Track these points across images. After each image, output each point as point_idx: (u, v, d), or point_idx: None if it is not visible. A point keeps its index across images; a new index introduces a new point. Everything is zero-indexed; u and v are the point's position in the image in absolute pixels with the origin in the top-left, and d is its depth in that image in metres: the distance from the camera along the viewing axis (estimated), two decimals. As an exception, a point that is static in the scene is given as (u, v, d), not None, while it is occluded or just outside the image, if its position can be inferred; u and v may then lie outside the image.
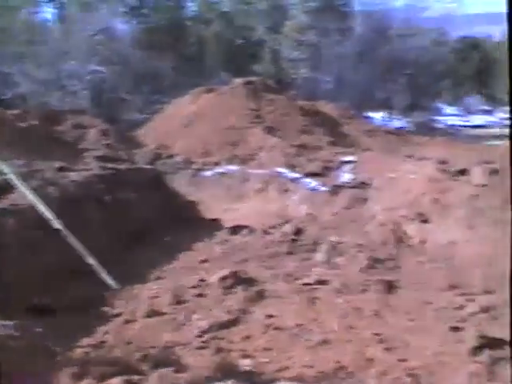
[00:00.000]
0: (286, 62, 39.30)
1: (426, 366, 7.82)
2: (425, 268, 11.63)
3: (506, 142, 16.20)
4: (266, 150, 18.54)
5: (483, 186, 12.81)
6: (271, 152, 18.38)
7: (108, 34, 34.58)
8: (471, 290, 10.68)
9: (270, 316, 9.23)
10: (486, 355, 8.03)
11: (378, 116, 39.02)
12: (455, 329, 9.00)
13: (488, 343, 8.34)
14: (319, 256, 12.03)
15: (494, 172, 12.98)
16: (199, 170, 18.23)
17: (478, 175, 13.03)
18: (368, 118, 34.97)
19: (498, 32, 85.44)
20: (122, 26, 38.47)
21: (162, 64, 33.50)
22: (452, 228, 12.38)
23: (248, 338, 8.53)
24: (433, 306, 9.99)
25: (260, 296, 10.02)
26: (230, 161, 18.49)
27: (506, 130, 35.69)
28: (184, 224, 13.53)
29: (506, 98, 58.31)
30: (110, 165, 14.34)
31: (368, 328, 8.91)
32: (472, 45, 64.60)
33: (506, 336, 8.78)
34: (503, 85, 62.12)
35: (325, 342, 8.41)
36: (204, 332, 8.58)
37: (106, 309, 9.45)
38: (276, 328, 8.81)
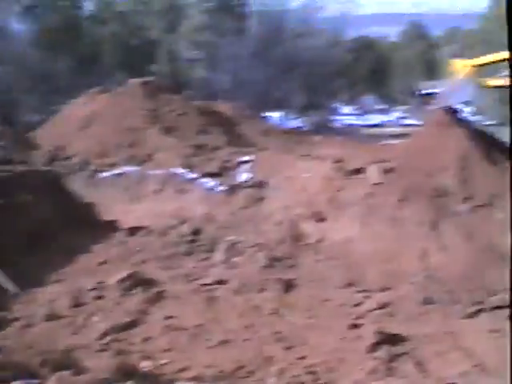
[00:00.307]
0: (183, 62, 39.19)
1: (325, 362, 7.94)
2: (322, 266, 11.79)
3: (402, 141, 16.56)
4: (163, 151, 18.45)
5: (378, 184, 13.05)
6: (168, 152, 18.29)
7: (1, 33, 33.84)
8: (368, 287, 10.89)
9: (170, 317, 9.23)
10: (384, 351, 8.21)
11: (274, 116, 39.24)
12: (353, 326, 9.17)
13: (386, 339, 8.52)
14: (217, 256, 12.07)
15: (390, 170, 13.24)
16: (97, 171, 18.03)
17: (373, 174, 13.27)
18: (265, 117, 35.13)
19: (394, 32, 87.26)
20: (17, 26, 37.69)
21: (58, 64, 32.97)
22: (348, 226, 12.58)
23: (148, 339, 8.51)
24: (331, 304, 10.15)
25: (159, 297, 10.00)
26: (127, 161, 18.32)
27: (401, 129, 36.47)
28: (82, 226, 13.35)
29: (401, 97, 59.61)
30: (5, 167, 14.03)
31: (267, 326, 8.98)
32: (367, 45, 65.69)
33: (403, 331, 9.00)
34: (398, 84, 63.51)
35: (225, 341, 8.45)
36: (104, 334, 8.52)
37: (4, 313, 9.27)
38: (176, 329, 8.81)
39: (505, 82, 16.41)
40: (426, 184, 12.81)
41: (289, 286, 10.71)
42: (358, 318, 9.63)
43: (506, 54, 17.04)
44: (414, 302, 10.37)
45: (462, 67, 15.97)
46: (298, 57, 39.13)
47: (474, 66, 16.11)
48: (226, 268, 11.51)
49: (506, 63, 16.62)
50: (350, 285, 10.98)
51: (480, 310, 10.24)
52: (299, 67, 39.47)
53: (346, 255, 12.01)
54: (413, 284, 10.95)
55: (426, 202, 12.44)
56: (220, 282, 10.70)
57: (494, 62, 16.92)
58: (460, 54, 34.86)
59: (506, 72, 16.39)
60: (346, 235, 12.42)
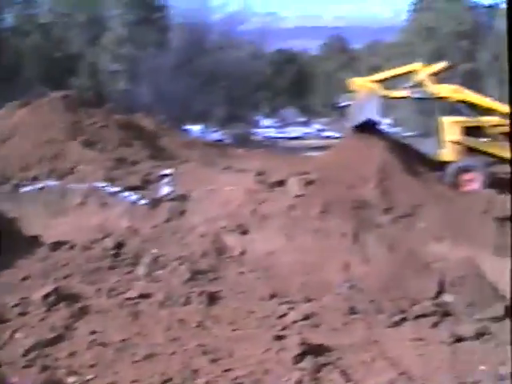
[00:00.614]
0: (104, 74, 38.95)
1: (250, 374, 7.97)
2: (246, 278, 11.82)
3: (322, 153, 16.77)
4: (85, 164, 18.28)
5: (300, 196, 13.18)
6: (90, 166, 18.14)
7: None
8: (292, 298, 10.97)
9: (95, 332, 9.14)
10: (309, 362, 8.28)
11: (196, 128, 39.28)
12: (278, 337, 9.21)
13: (311, 350, 8.60)
14: (141, 269, 12.00)
15: (311, 183, 13.39)
16: (18, 185, 17.76)
17: (294, 186, 13.39)
18: (186, 130, 35.15)
19: (315, 45, 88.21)
20: None
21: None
22: (271, 238, 12.66)
23: (73, 354, 8.42)
24: (256, 315, 10.19)
25: (84, 312, 9.91)
26: (49, 175, 18.09)
27: (322, 141, 36.87)
28: (4, 241, 13.15)
29: (322, 109, 60.25)
30: None
31: (193, 339, 8.98)
32: (289, 58, 66.29)
33: (327, 342, 9.09)
34: (319, 97, 64.19)
35: (150, 355, 8.42)
36: (29, 350, 8.41)
37: None
38: (101, 343, 8.74)
39: (407, 93, 16.80)
40: (347, 196, 13.01)
41: (213, 298, 10.72)
42: (282, 329, 9.69)
43: (406, 68, 17.44)
44: (338, 312, 10.49)
45: (362, 84, 16.28)
46: (220, 69, 39.27)
47: (374, 82, 16.44)
48: (150, 282, 11.46)
49: (411, 75, 17.04)
50: (274, 296, 11.04)
51: (403, 319, 10.42)
52: (221, 80, 39.61)
53: (270, 267, 12.08)
54: (337, 295, 11.08)
55: (348, 213, 12.62)
56: (144, 296, 10.64)
57: (395, 76, 17.30)
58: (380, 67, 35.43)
59: (409, 84, 16.79)
60: (270, 247, 12.49)
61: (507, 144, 16.87)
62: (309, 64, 73.41)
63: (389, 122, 38.57)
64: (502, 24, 43.53)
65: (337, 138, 30.17)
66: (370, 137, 14.94)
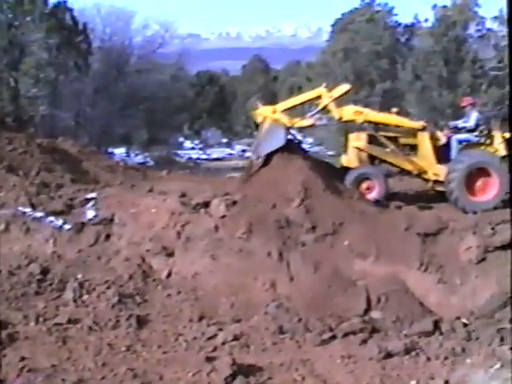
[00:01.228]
0: (25, 99, 38.50)
1: (180, 397, 7.99)
2: (173, 300, 11.82)
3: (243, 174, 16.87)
4: (7, 190, 18.07)
5: (224, 217, 13.25)
6: (12, 191, 17.94)
7: None
8: (220, 319, 11.04)
9: (24, 358, 9.03)
10: (240, 382, 8.35)
11: (119, 151, 39.14)
12: (209, 358, 9.25)
13: (241, 370, 8.66)
14: (68, 295, 11.91)
15: (234, 203, 13.47)
16: None
17: (218, 207, 13.45)
18: (109, 153, 34.99)
19: (236, 66, 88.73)
20: None
21: None
22: (196, 260, 12.68)
23: (3, 382, 8.31)
24: (185, 338, 10.23)
25: (11, 339, 9.78)
26: (-31, 202, 17.85)
27: (244, 162, 37.03)
28: None
29: (243, 130, 60.58)
30: None
31: (122, 364, 8.96)
32: (210, 79, 66.55)
33: (257, 362, 9.16)
34: (241, 118, 64.54)
35: (80, 380, 8.38)
36: (-44, 379, 8.30)
37: None
38: (30, 370, 8.64)
39: (313, 121, 17.05)
40: (271, 215, 13.11)
41: (141, 322, 10.71)
42: (212, 350, 9.75)
43: (310, 94, 17.71)
44: (267, 332, 10.58)
45: (268, 113, 16.47)
46: (142, 92, 39.25)
47: (281, 111, 16.64)
48: (78, 307, 11.38)
49: (315, 102, 17.31)
50: (202, 318, 11.08)
51: (332, 337, 10.57)
52: (142, 102, 39.57)
53: (197, 289, 12.09)
54: (265, 314, 11.18)
55: (272, 233, 12.73)
56: (72, 321, 10.57)
57: (300, 104, 17.57)
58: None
59: (314, 111, 17.06)
60: (195, 269, 12.51)
61: (410, 157, 17.34)
62: (230, 85, 73.84)
63: (310, 141, 38.99)
64: (421, 42, 44.52)
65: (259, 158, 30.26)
66: (292, 156, 15.08)
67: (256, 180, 14.66)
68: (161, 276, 12.91)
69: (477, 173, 16.87)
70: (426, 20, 47.20)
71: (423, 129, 17.57)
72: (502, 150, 17.15)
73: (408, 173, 17.96)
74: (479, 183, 16.92)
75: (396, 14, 49.79)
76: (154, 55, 42.63)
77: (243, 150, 56.37)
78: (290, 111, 17.04)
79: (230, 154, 55.06)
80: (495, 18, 44.90)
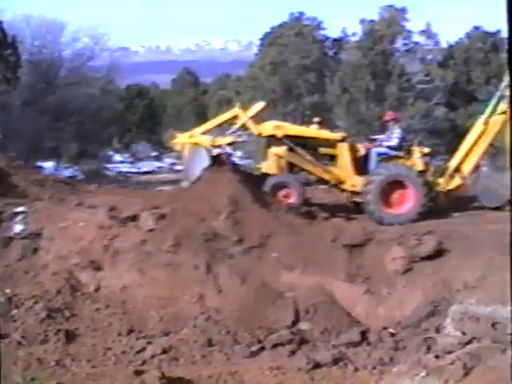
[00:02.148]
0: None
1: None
2: (102, 314, 11.78)
3: (174, 187, 16.91)
4: None
5: (152, 230, 13.26)
6: None
7: None
8: (149, 333, 11.06)
9: None
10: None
11: (48, 165, 38.73)
12: (138, 372, 9.28)
13: (170, 383, 8.70)
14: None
15: (163, 217, 13.49)
16: None
17: (146, 220, 13.46)
18: (38, 167, 34.59)
19: (166, 79, 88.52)
20: None
21: None
22: (125, 273, 12.66)
23: None
24: (114, 351, 10.25)
25: None
26: None
27: (174, 175, 37.01)
28: None
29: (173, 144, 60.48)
30: None
31: (51, 378, 8.98)
32: (140, 92, 66.29)
33: (187, 375, 9.22)
34: (170, 131, 64.37)
35: (8, 396, 8.33)
36: None
37: None
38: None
39: (233, 138, 17.19)
40: (199, 228, 13.17)
41: (70, 336, 10.69)
42: (141, 364, 9.81)
43: (226, 116, 17.84)
44: (196, 344, 10.65)
45: (186, 140, 16.60)
46: (71, 105, 38.95)
47: (198, 135, 16.78)
48: (6, 322, 11.29)
49: (233, 121, 17.45)
50: (131, 332, 11.10)
51: (261, 349, 10.67)
52: (72, 115, 39.27)
53: (125, 302, 12.07)
54: (193, 327, 11.23)
55: (200, 246, 12.78)
56: (1, 336, 10.50)
57: (217, 126, 17.71)
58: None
59: (233, 130, 17.20)
60: (124, 283, 12.49)
61: (329, 167, 17.59)
62: (159, 98, 73.68)
63: (239, 155, 39.11)
64: (349, 56, 45.03)
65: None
66: (221, 169, 15.17)
67: (185, 194, 14.71)
68: (89, 290, 12.84)
69: (393, 185, 17.23)
70: (354, 34, 47.81)
71: (342, 140, 17.79)
72: (420, 165, 17.55)
73: (326, 182, 18.18)
74: (395, 196, 17.27)
75: (324, 28, 50.23)
76: (84, 68, 42.29)
77: (173, 163, 56.27)
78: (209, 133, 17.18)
79: (160, 168, 54.87)
80: (422, 31, 45.69)
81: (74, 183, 27.36)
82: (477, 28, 49.71)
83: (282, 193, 16.79)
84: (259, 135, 17.41)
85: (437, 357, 8.99)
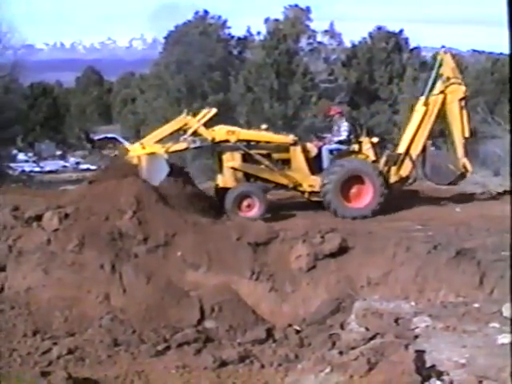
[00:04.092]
0: None
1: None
2: (7, 315, 11.63)
3: (79, 186, 16.78)
4: None
5: (56, 230, 13.15)
6: None
7: None
8: (55, 334, 11.01)
9: None
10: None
11: None
12: (43, 373, 9.24)
13: (77, 384, 8.70)
14: None
15: (67, 216, 13.38)
16: None
17: (50, 220, 13.32)
18: None
19: (70, 78, 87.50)
20: None
21: None
22: (29, 274, 12.51)
23: None
24: (19, 353, 10.17)
25: None
26: None
27: (78, 174, 36.68)
28: None
29: (78, 142, 59.77)
30: None
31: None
32: (43, 91, 65.39)
33: (93, 375, 9.23)
34: (75, 130, 63.55)
35: None
36: None
37: None
38: None
39: (186, 145, 17.18)
40: (103, 228, 13.10)
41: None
42: (47, 365, 9.76)
43: (177, 124, 17.75)
44: (102, 344, 10.63)
45: (140, 151, 16.53)
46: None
47: (150, 145, 16.73)
48: None
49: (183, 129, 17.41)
50: (36, 333, 11.01)
51: (167, 348, 10.73)
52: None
53: (30, 303, 11.94)
54: (99, 327, 11.20)
55: (105, 245, 12.71)
56: None
57: (168, 135, 17.64)
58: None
59: (185, 136, 17.16)
60: (28, 283, 12.34)
61: (284, 171, 17.67)
62: (64, 97, 72.81)
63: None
64: (253, 55, 45.29)
65: (93, 170, 30.22)
66: (127, 169, 15.14)
67: (89, 192, 14.61)
68: (-7, 291, 12.70)
69: (351, 180, 17.38)
70: (259, 33, 48.18)
71: (295, 143, 17.82)
72: (372, 155, 17.76)
73: (284, 187, 18.18)
74: (354, 190, 17.41)
75: (229, 27, 50.48)
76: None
77: (77, 163, 55.77)
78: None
79: (64, 167, 54.32)
80: (326, 31, 46.37)
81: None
82: (379, 28, 50.61)
83: (245, 203, 16.75)
84: (212, 140, 17.28)
85: (341, 353, 9.11)
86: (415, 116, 18.47)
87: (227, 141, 17.32)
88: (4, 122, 41.25)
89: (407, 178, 18.37)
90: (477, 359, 8.19)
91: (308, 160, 17.90)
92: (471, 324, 9.60)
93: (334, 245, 13.14)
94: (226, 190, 17.16)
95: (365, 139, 18.13)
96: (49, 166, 53.67)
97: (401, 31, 50.29)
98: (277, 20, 46.09)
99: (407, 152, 18.16)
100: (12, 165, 47.00)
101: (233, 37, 50.76)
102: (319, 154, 18.08)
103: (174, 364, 10.04)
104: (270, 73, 41.88)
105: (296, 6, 46.80)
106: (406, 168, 18.16)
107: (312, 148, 18.20)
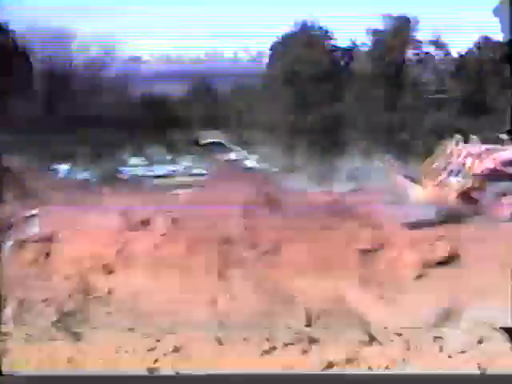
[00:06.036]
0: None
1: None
2: (113, 317, 11.75)
3: (188, 191, 16.91)
4: None
5: (163, 235, 13.23)
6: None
7: None
8: (161, 336, 11.02)
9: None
10: None
11: (63, 168, 38.80)
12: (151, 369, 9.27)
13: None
14: (7, 313, 11.80)
15: (176, 221, 13.47)
16: None
17: (159, 225, 13.43)
18: (54, 170, 34.68)
19: (179, 87, 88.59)
20: None
21: None
22: (137, 277, 12.63)
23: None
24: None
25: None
26: None
27: (189, 179, 37.00)
28: None
29: (187, 147, 60.37)
30: None
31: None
32: (154, 100, 66.40)
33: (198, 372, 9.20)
34: (185, 135, 64.24)
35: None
36: None
37: None
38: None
39: None
40: (211, 233, 13.13)
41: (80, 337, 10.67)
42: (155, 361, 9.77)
43: None
44: (207, 343, 10.60)
45: None
46: (86, 111, 39.04)
47: None
48: (17, 324, 11.29)
49: None
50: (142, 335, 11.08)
51: (272, 348, 10.64)
52: (86, 122, 39.39)
53: (136, 306, 12.06)
54: (204, 328, 11.20)
55: (213, 250, 12.74)
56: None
57: None
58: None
59: None
60: (136, 286, 12.47)
61: None
62: (174, 105, 73.77)
63: (255, 158, 39.07)
64: (359, 66, 44.93)
65: (203, 175, 30.44)
66: (235, 174, 15.16)
67: (197, 198, 14.68)
68: (101, 293, 12.83)
69: None
70: (363, 44, 47.71)
71: None
72: None
73: None
74: None
75: (334, 38, 50.16)
76: (96, 77, 42.43)
77: (188, 167, 56.23)
78: None
79: (175, 171, 54.89)
80: (432, 42, 45.63)
81: (88, 186, 27.48)
82: (487, 38, 49.48)
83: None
84: None
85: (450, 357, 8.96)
86: None
87: None
88: (116, 126, 42.03)
89: None
90: None
91: None
92: None
93: (442, 252, 12.90)
94: None
95: None
96: (159, 170, 54.34)
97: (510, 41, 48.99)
98: (381, 31, 45.47)
99: None
100: (123, 169, 47.82)
101: (337, 48, 50.25)
102: None
103: (280, 363, 9.94)
104: (381, 84, 41.40)
105: (400, 16, 46.11)
106: None
107: None
